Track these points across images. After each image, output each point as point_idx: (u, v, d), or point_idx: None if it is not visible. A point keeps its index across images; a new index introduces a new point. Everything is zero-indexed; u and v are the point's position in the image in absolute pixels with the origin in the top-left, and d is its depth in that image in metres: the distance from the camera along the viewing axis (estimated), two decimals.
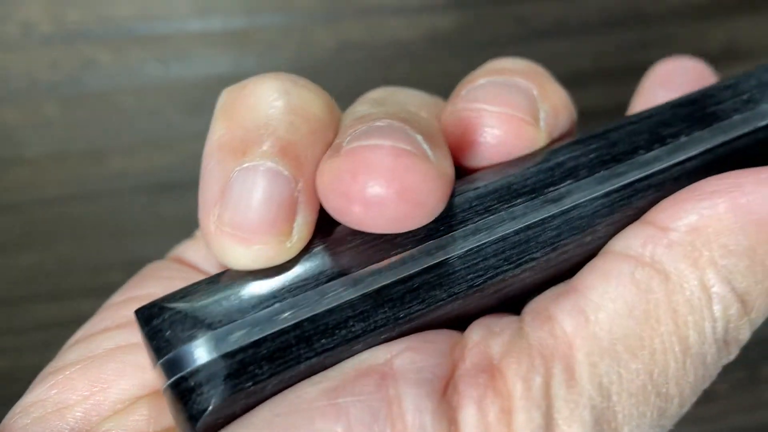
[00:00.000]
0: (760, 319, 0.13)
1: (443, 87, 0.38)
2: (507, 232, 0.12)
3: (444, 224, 0.12)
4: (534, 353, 0.11)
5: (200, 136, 0.36)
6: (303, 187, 0.12)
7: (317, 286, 0.12)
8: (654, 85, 0.17)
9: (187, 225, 0.35)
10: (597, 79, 0.39)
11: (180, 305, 0.11)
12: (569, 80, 0.38)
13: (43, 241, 0.35)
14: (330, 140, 0.13)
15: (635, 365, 0.11)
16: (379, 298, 0.12)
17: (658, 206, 0.13)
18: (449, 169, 0.12)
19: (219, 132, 0.13)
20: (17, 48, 0.35)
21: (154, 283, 0.15)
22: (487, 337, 0.12)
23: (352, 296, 0.12)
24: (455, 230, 0.12)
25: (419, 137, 0.12)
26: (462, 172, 0.14)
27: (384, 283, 0.12)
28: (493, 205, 0.12)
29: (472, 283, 0.12)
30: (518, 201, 0.12)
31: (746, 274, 0.12)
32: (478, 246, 0.12)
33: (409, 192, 0.11)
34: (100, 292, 0.17)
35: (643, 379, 0.11)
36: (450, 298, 0.12)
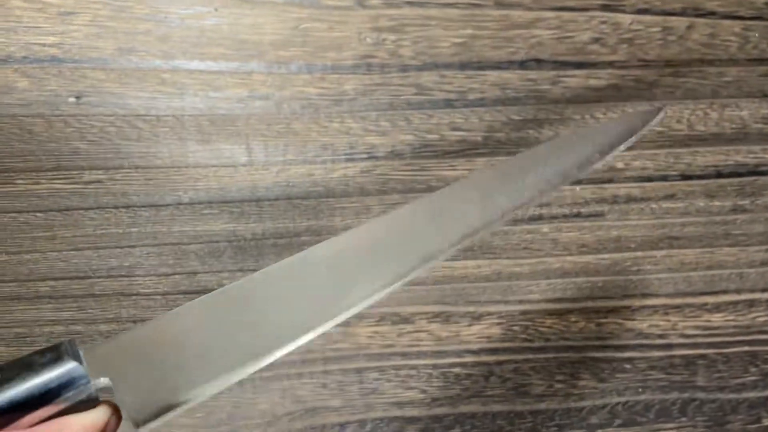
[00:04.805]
0: None
1: (341, 144, 0.42)
2: None
3: None
4: None
5: (102, 167, 0.40)
6: None
7: None
8: None
9: (80, 245, 0.38)
10: (486, 150, 0.42)
11: None
12: (459, 150, 0.43)
13: None
14: None
15: None
16: None
17: None
18: None
19: None
20: None
21: None
22: None
23: None
24: None
25: None
26: None
27: None
28: None
29: None
30: None
31: None
32: None
33: None
34: None
35: None
36: None
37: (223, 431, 0.42)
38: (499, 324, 0.42)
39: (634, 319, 0.43)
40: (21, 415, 0.20)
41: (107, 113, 0.40)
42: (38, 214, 0.39)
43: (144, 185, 0.40)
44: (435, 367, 0.42)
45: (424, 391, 0.41)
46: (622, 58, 0.45)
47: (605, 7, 0.44)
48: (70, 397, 0.21)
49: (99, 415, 0.22)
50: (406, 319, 0.41)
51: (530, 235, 0.43)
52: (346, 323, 0.42)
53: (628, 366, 0.43)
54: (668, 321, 0.44)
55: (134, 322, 0.41)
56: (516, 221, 0.43)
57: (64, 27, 0.39)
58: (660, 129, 0.44)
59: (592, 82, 0.44)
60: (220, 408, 0.41)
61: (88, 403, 0.22)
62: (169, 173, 0.40)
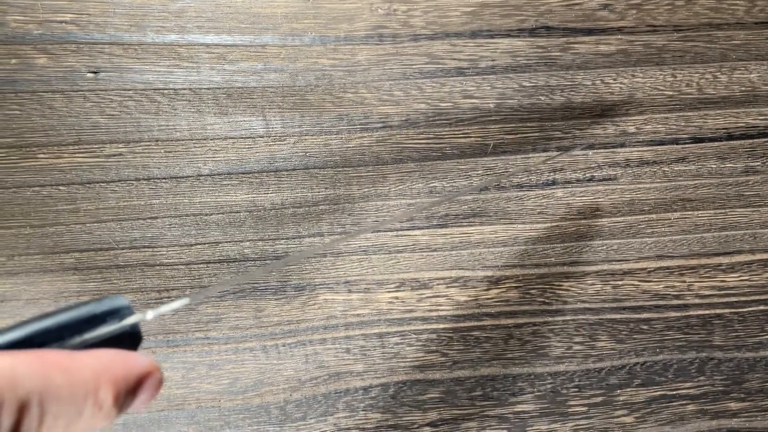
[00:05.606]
0: None
1: (356, 114, 0.43)
2: None
3: None
4: None
5: (122, 140, 0.40)
6: None
7: None
8: None
9: (103, 218, 0.38)
10: (499, 117, 0.43)
11: None
12: (472, 118, 0.43)
13: None
14: None
15: None
16: None
17: None
18: None
19: None
20: None
21: None
22: None
23: None
24: None
25: None
26: None
27: None
28: None
29: None
30: None
31: None
32: None
33: None
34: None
35: None
36: None
37: (248, 397, 0.42)
38: (516, 287, 0.43)
39: (649, 281, 0.44)
40: (67, 337, 0.20)
41: (126, 88, 0.40)
42: (61, 188, 0.40)
43: (164, 158, 0.40)
44: (455, 330, 0.42)
45: (445, 355, 0.42)
46: (631, 24, 0.45)
47: None
48: (115, 329, 0.21)
49: (140, 357, 0.21)
50: (425, 285, 0.42)
51: (545, 200, 0.44)
52: (366, 289, 0.42)
53: (645, 327, 0.44)
54: (683, 282, 0.44)
55: (158, 291, 0.42)
56: (531, 187, 0.43)
57: (81, 4, 0.40)
58: (670, 93, 0.45)
59: (602, 48, 0.45)
60: (245, 375, 0.41)
61: (134, 341, 0.22)
62: (188, 145, 0.40)
